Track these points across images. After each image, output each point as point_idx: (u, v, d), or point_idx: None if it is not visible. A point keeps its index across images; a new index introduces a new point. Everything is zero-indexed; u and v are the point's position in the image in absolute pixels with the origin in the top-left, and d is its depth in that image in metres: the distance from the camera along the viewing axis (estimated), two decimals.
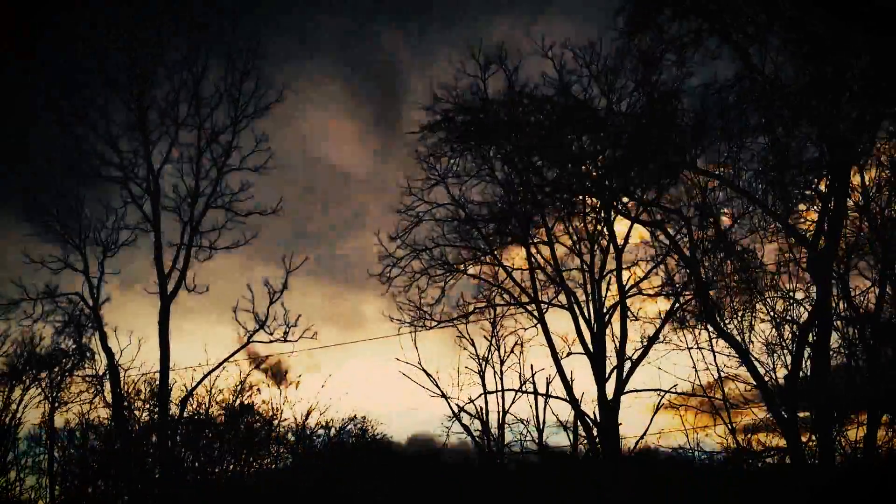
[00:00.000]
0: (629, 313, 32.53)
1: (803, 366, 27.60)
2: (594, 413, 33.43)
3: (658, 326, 31.86)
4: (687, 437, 32.87)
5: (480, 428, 38.95)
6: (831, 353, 27.17)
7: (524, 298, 33.84)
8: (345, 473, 38.63)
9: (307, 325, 34.87)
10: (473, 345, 38.68)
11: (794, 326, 28.48)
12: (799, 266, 28.27)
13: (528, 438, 38.71)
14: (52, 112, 34.92)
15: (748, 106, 27.41)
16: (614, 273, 32.79)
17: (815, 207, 27.83)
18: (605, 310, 32.79)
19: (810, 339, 27.36)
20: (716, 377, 31.02)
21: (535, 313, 33.77)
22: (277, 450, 41.77)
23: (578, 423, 35.34)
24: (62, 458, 40.33)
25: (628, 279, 32.70)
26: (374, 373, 50.70)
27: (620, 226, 32.63)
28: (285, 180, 49.58)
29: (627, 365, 32.27)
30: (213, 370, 36.25)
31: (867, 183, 27.45)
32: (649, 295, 32.51)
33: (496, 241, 33.93)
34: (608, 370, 32.43)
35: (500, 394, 39.03)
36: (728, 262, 29.59)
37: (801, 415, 27.66)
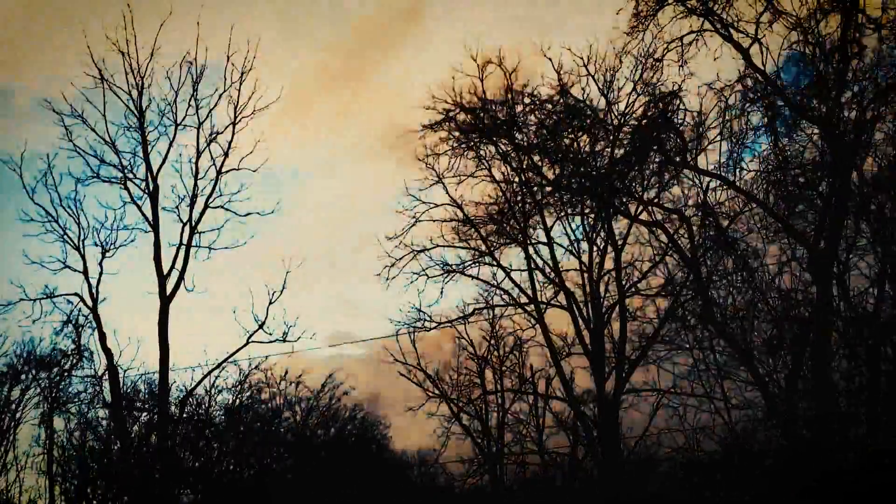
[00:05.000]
0: (628, 313, 32.50)
1: (803, 366, 27.56)
2: (594, 413, 33.45)
3: (657, 326, 31.84)
4: (686, 437, 32.87)
5: (480, 429, 39.00)
6: (831, 352, 27.13)
7: (523, 299, 33.82)
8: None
9: None
10: (472, 345, 38.74)
11: (795, 326, 28.44)
12: (800, 266, 28.22)
13: (527, 439, 38.80)
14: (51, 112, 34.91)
15: (749, 106, 27.38)
16: (613, 273, 32.74)
17: (815, 207, 27.76)
18: (604, 310, 32.75)
19: (810, 339, 27.30)
20: (715, 377, 31.03)
21: (534, 314, 33.74)
22: (278, 450, 41.83)
23: (578, 424, 35.38)
24: (62, 459, 40.32)
25: (627, 279, 32.68)
26: None
27: (620, 225, 32.64)
28: None
29: (626, 365, 32.23)
30: (213, 370, 36.28)
31: (867, 183, 27.38)
32: (649, 295, 32.48)
33: (495, 242, 33.88)
34: (608, 370, 32.40)
35: (499, 394, 39.07)
36: (728, 261, 29.53)
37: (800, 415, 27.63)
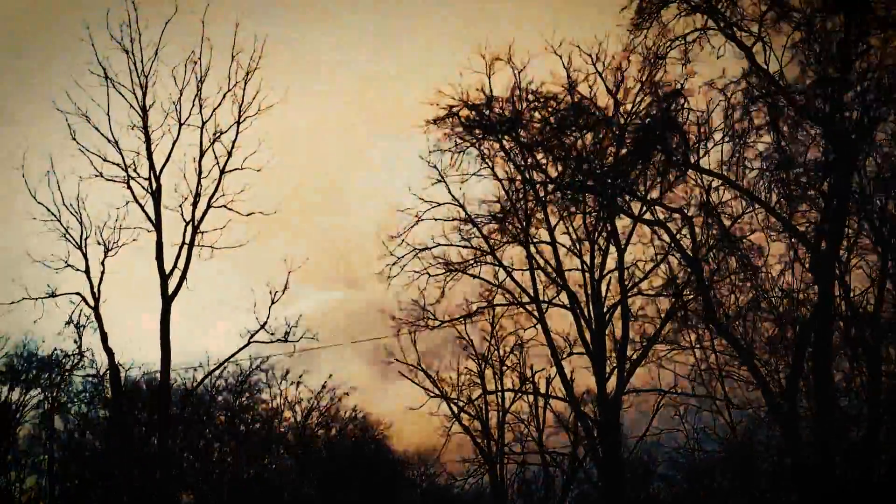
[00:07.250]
0: (630, 313, 32.49)
1: (804, 365, 27.60)
2: (594, 413, 33.45)
3: (659, 326, 31.84)
4: (687, 437, 32.94)
5: (480, 428, 39.05)
6: (832, 352, 27.18)
7: (524, 298, 33.79)
8: None
9: None
10: (473, 345, 38.78)
11: (796, 326, 28.47)
12: (802, 265, 28.27)
13: (528, 439, 38.86)
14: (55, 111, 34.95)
15: (752, 105, 27.40)
16: (615, 272, 32.76)
17: (817, 207, 27.81)
18: (605, 309, 32.74)
19: (811, 338, 27.34)
20: (716, 377, 31.08)
21: (536, 313, 33.72)
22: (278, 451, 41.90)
23: (579, 424, 35.40)
24: (62, 459, 40.36)
25: (629, 278, 32.67)
26: None
27: (622, 225, 32.65)
28: None
29: (628, 365, 32.24)
30: (214, 370, 36.28)
31: (868, 183, 27.44)
32: (650, 294, 32.45)
33: (497, 241, 33.88)
34: (609, 370, 32.40)
35: (499, 394, 39.12)
36: (730, 261, 29.54)
37: (801, 415, 27.67)
